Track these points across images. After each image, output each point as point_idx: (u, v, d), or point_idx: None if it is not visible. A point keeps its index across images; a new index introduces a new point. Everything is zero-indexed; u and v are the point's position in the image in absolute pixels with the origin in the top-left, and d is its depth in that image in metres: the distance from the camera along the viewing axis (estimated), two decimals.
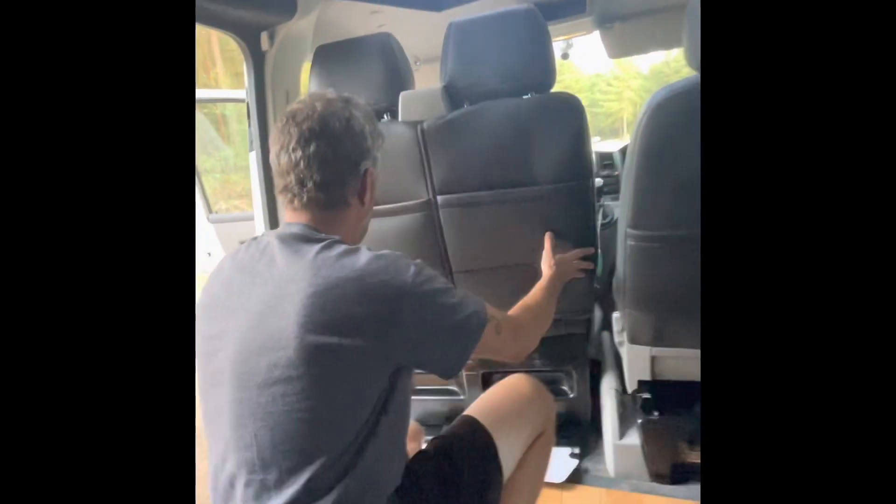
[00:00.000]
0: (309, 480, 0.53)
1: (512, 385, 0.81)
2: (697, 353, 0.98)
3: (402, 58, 1.02)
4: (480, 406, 0.76)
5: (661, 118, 0.75)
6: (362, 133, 0.64)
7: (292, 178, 0.62)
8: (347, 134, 0.63)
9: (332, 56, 1.01)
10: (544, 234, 0.97)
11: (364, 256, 0.57)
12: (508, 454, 0.73)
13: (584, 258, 0.98)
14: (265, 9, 0.98)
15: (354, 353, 0.54)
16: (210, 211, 2.13)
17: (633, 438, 1.13)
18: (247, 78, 1.12)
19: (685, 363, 1.04)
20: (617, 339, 1.10)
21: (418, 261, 0.61)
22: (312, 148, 0.61)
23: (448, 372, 0.62)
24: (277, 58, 1.10)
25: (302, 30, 1.10)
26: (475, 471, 0.68)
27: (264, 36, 1.06)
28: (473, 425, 0.72)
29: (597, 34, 1.51)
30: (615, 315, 1.08)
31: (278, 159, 0.63)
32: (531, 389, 0.80)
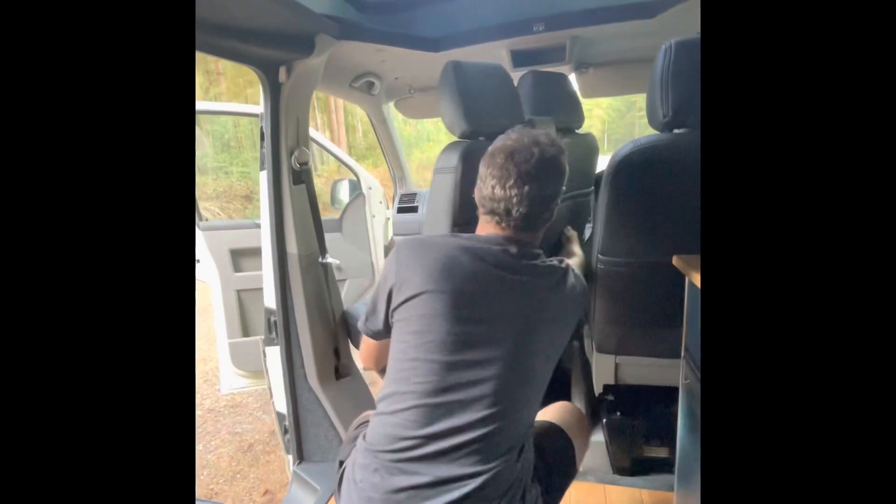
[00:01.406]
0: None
1: (570, 408, 0.98)
2: (656, 361, 1.16)
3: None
4: (558, 417, 0.92)
5: (627, 169, 0.91)
6: (563, 175, 0.77)
7: (502, 206, 0.73)
8: (554, 178, 0.75)
9: (469, 74, 1.12)
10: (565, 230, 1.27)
11: (570, 272, 0.79)
12: (581, 455, 0.90)
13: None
14: (287, 48, 1.10)
15: (566, 334, 0.77)
16: (200, 218, 2.17)
17: (599, 436, 1.28)
18: (262, 105, 1.22)
19: (645, 370, 1.21)
20: (587, 348, 1.26)
21: None
22: (526, 189, 0.72)
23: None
24: (292, 88, 1.21)
25: (316, 64, 1.22)
26: (562, 463, 0.85)
27: (282, 70, 1.17)
28: (559, 431, 0.89)
29: (573, 76, 1.69)
30: (585, 328, 1.24)
31: (493, 190, 0.74)
32: (582, 415, 0.98)
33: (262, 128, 1.25)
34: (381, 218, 2.27)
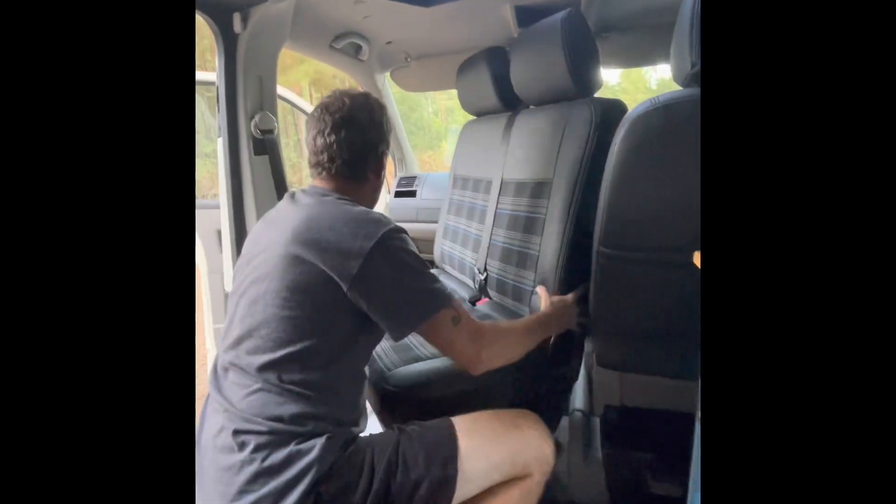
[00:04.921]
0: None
1: (511, 413, 0.82)
2: (669, 381, 0.94)
3: None
4: (464, 416, 0.77)
5: (640, 132, 0.70)
6: (380, 123, 0.79)
7: (325, 156, 0.76)
8: (370, 124, 0.77)
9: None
10: None
11: (361, 208, 0.72)
12: (472, 466, 0.70)
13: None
14: None
15: (325, 270, 0.65)
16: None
17: (597, 464, 1.09)
18: (217, 61, 1.06)
19: (656, 391, 0.99)
20: (586, 360, 1.05)
21: (405, 230, 0.72)
22: (343, 134, 0.75)
23: (396, 332, 0.70)
24: (251, 41, 1.05)
25: (279, 13, 1.04)
26: (424, 456, 0.68)
27: (236, 17, 1.01)
28: (445, 423, 0.74)
29: None
30: (587, 338, 1.04)
31: (314, 141, 0.77)
32: (530, 425, 0.79)
33: (217, 89, 1.09)
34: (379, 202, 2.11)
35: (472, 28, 1.40)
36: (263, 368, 0.65)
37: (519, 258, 1.13)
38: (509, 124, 1.24)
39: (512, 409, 0.83)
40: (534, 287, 1.08)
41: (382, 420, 0.95)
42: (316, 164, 0.78)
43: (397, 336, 0.70)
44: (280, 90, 1.93)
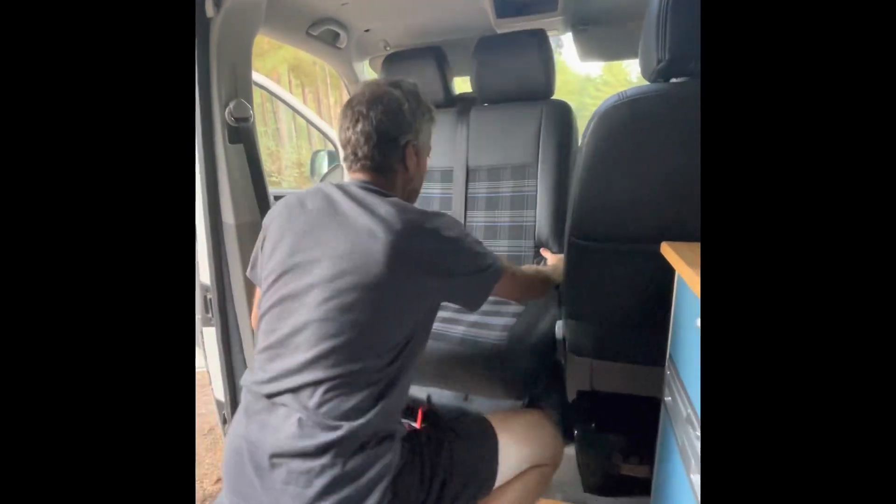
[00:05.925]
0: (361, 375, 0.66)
1: (530, 413, 0.92)
2: (639, 368, 0.98)
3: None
4: (495, 415, 0.85)
5: (608, 125, 0.72)
6: (401, 111, 0.76)
7: (349, 150, 0.77)
8: (387, 114, 0.75)
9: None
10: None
11: (429, 211, 0.73)
12: (506, 459, 0.79)
13: None
14: None
15: (421, 277, 0.68)
16: None
17: (570, 448, 1.12)
18: None
19: (626, 377, 1.03)
20: (559, 347, 1.08)
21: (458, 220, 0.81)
22: (359, 126, 0.75)
23: (475, 305, 0.77)
24: (224, 27, 1.02)
25: None
26: (474, 454, 0.76)
27: (209, 1, 0.98)
28: (484, 421, 0.82)
29: (569, 34, 1.47)
30: (559, 322, 1.07)
31: (340, 135, 0.78)
32: (547, 423, 0.90)
33: None
34: None
35: (451, 17, 1.39)
36: (347, 374, 0.64)
37: (510, 232, 1.32)
38: (463, 118, 1.37)
39: (531, 410, 0.92)
40: (534, 252, 1.29)
41: (509, 382, 1.00)
42: (345, 158, 0.79)
43: (476, 307, 0.78)
44: (257, 77, 1.89)
